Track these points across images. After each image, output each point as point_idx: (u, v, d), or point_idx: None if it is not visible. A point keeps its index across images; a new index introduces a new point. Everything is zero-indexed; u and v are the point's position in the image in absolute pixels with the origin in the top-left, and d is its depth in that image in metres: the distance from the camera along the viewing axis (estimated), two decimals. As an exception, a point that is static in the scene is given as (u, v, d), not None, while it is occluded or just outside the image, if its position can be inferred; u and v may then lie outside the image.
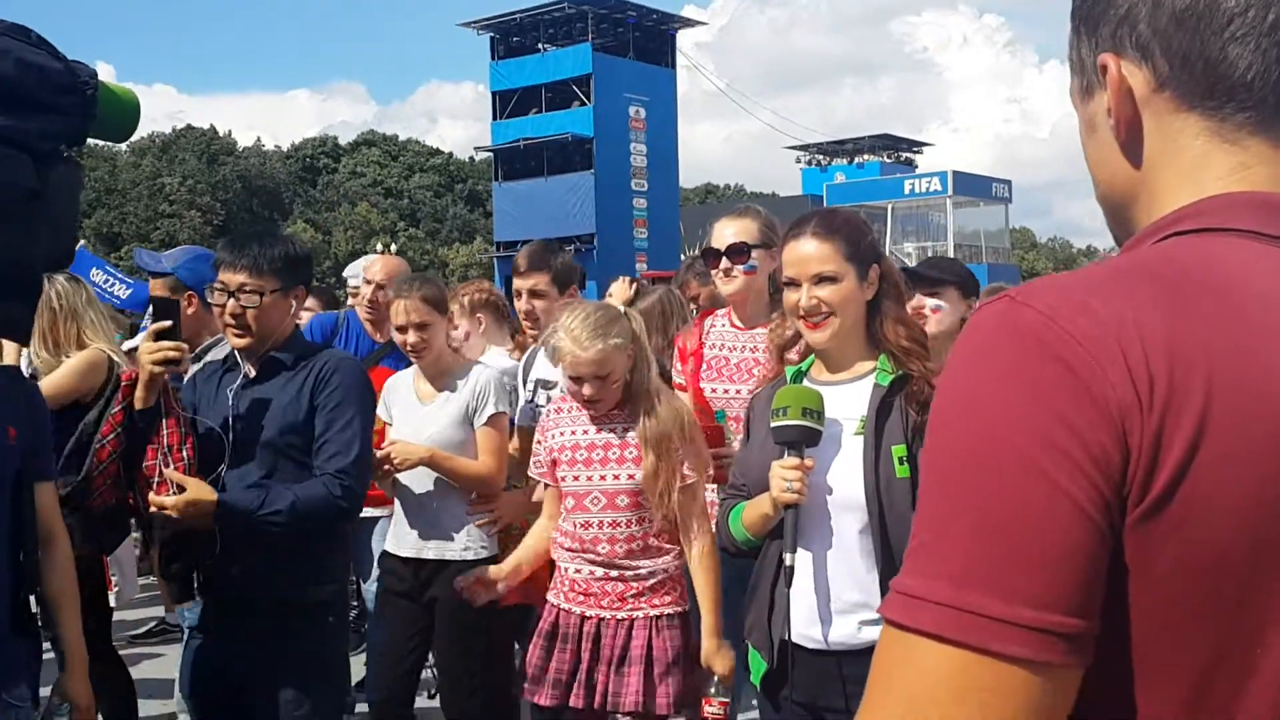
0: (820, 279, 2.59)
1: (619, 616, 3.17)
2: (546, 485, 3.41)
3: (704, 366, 3.77)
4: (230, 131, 71.59)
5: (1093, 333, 0.84)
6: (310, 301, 6.33)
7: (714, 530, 3.04)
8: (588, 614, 3.20)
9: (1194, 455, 0.82)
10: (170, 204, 59.33)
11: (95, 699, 2.87)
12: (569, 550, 3.26)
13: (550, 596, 3.31)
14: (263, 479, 3.14)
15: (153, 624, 6.70)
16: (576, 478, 3.24)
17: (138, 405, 3.10)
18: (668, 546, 3.23)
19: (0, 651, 2.60)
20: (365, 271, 5.21)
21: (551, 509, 3.42)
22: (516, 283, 4.12)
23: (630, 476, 3.17)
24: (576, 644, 3.20)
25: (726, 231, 3.68)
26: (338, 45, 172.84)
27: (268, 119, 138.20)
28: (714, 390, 3.69)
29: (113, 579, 4.86)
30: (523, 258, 4.12)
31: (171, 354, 3.07)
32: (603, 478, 3.20)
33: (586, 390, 3.17)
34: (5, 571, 2.61)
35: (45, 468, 2.80)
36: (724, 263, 3.65)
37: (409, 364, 5.10)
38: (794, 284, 2.63)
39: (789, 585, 2.50)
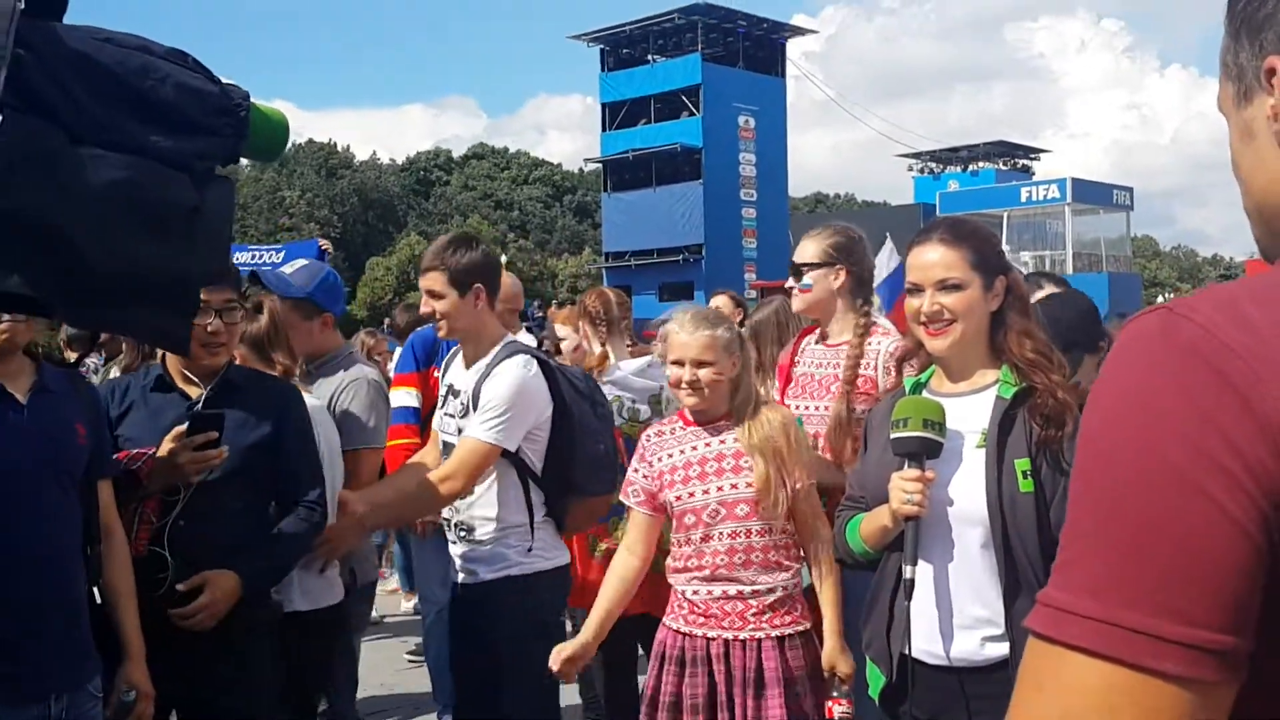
0: (944, 285, 2.57)
1: (742, 637, 3.14)
2: (642, 514, 3.33)
3: (791, 384, 3.80)
4: (349, 146, 73.56)
5: (1252, 345, 0.83)
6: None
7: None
8: (711, 635, 3.17)
9: None
10: (290, 217, 61.09)
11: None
12: (685, 571, 3.22)
13: (668, 621, 3.27)
14: (226, 509, 3.11)
15: None
16: (693, 494, 3.21)
17: (151, 487, 3.05)
18: (787, 563, 3.19)
19: (83, 646, 2.68)
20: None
21: (641, 539, 3.34)
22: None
23: (748, 484, 3.15)
24: (708, 667, 3.16)
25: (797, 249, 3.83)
26: (450, 61, 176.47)
27: (383, 133, 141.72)
28: (795, 407, 3.67)
29: None
30: (426, 253, 3.71)
31: (215, 463, 3.04)
32: (719, 489, 3.18)
33: (686, 374, 3.18)
34: (81, 566, 2.70)
35: (105, 466, 2.88)
36: (789, 280, 3.81)
37: None
38: (918, 289, 2.61)
39: (909, 598, 2.47)
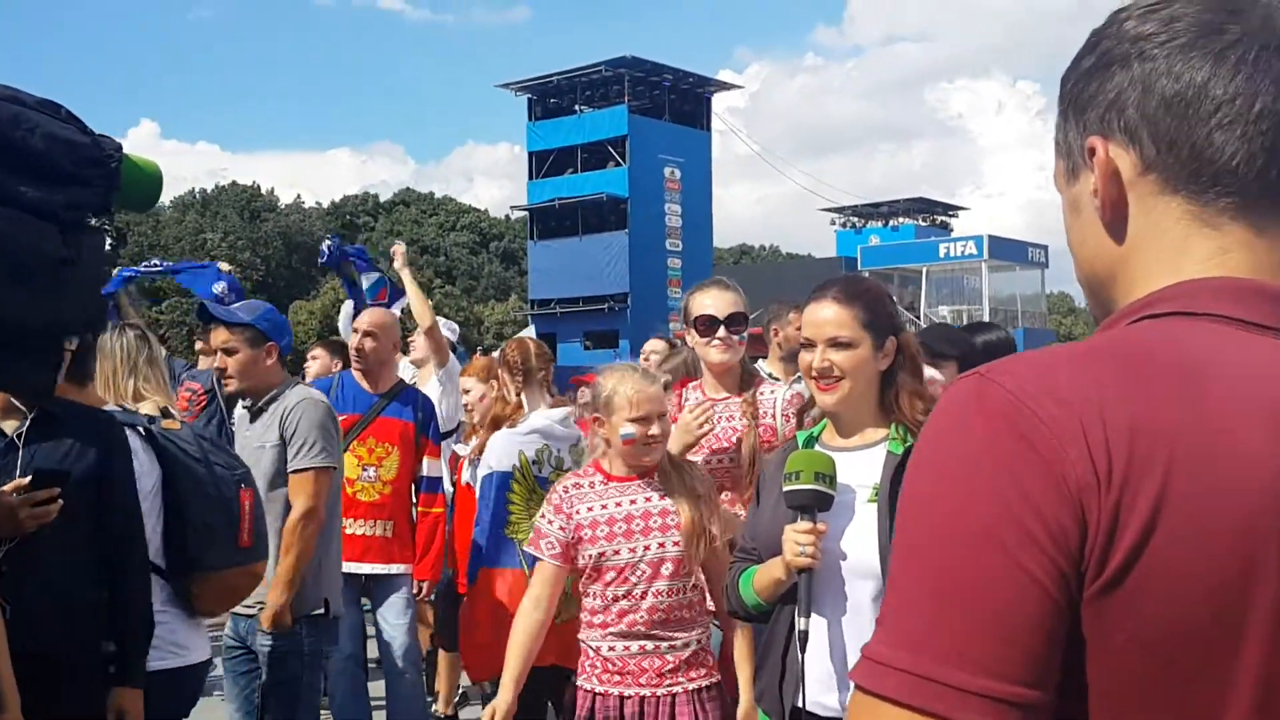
0: (835, 343, 2.63)
1: (659, 693, 3.14)
2: (552, 567, 3.25)
3: None
4: (273, 189, 72.72)
5: (1056, 412, 0.87)
6: (318, 350, 6.85)
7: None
8: (627, 694, 3.16)
9: (1150, 533, 0.84)
10: (212, 259, 60.21)
11: None
12: (602, 628, 3.20)
13: (581, 681, 3.24)
14: (48, 551, 2.97)
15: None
16: (618, 551, 3.18)
17: None
18: (699, 618, 3.25)
19: None
20: (354, 322, 5.47)
21: (549, 593, 3.26)
22: None
23: (675, 544, 3.17)
24: None
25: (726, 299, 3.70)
26: (378, 107, 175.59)
27: (309, 177, 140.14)
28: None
29: None
30: None
31: (51, 519, 2.90)
32: (647, 547, 3.18)
33: (656, 429, 3.19)
34: None
35: None
36: (721, 331, 3.65)
37: (414, 414, 5.27)
38: (810, 345, 2.67)
39: (803, 650, 2.49)
